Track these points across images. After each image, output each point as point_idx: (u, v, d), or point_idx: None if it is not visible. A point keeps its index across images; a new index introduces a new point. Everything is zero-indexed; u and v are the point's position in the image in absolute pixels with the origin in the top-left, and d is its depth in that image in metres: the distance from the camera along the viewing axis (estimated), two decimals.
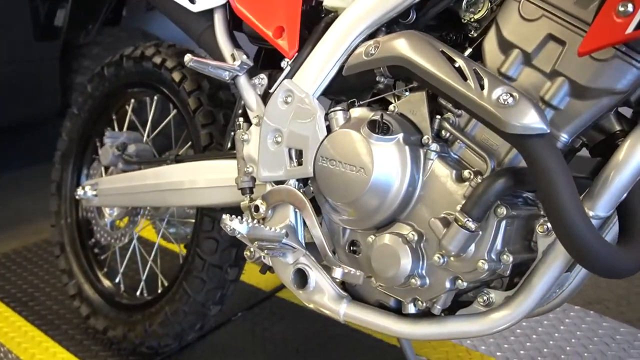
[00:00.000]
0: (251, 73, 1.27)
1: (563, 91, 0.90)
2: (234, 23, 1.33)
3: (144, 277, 1.76)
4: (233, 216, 1.04)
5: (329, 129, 1.07)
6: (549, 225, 0.91)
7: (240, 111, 1.35)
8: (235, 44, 1.30)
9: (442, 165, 0.98)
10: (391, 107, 1.06)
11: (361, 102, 1.12)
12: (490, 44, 0.99)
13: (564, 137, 0.92)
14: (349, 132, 1.02)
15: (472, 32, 1.05)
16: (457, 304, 1.04)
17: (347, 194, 1.01)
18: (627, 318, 1.90)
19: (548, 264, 0.92)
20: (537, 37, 0.92)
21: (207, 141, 1.49)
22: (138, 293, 1.76)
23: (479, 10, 1.03)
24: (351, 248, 1.10)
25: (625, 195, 0.88)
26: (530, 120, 0.83)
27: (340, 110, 1.06)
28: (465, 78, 0.89)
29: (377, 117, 1.00)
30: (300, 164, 1.11)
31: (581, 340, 1.77)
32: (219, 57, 1.29)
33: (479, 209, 0.89)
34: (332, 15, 1.17)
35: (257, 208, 1.16)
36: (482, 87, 0.87)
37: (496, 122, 0.85)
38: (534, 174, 0.84)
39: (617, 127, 0.96)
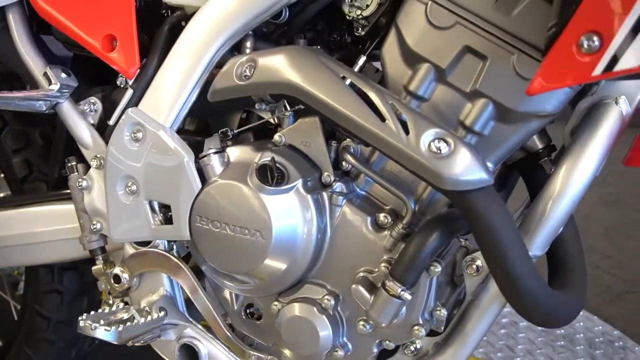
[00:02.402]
0: (77, 94, 0.95)
1: (486, 114, 0.76)
2: (39, 24, 0.98)
3: None
4: (92, 315, 0.78)
5: (202, 177, 0.83)
6: (478, 264, 0.79)
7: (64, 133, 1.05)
8: (47, 57, 0.96)
9: (353, 212, 0.80)
10: (276, 137, 0.84)
11: (236, 131, 0.89)
12: (391, 53, 0.80)
13: (489, 166, 0.78)
14: (232, 185, 0.79)
15: (360, 30, 0.86)
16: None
17: (241, 263, 0.80)
18: None
19: (483, 308, 0.81)
20: (452, 49, 0.76)
21: (25, 172, 1.15)
22: None
23: (367, 5, 0.84)
24: (248, 311, 0.90)
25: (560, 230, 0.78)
26: (472, 173, 0.67)
27: (214, 153, 0.82)
28: (382, 117, 0.71)
29: (267, 161, 0.78)
30: (167, 220, 0.86)
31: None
32: (25, 75, 0.95)
33: (413, 273, 0.74)
34: (178, 14, 0.90)
35: (117, 278, 0.90)
36: (406, 131, 0.69)
37: (429, 176, 0.68)
38: (476, 231, 0.70)
39: (540, 145, 0.85)
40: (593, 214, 2.46)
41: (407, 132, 0.69)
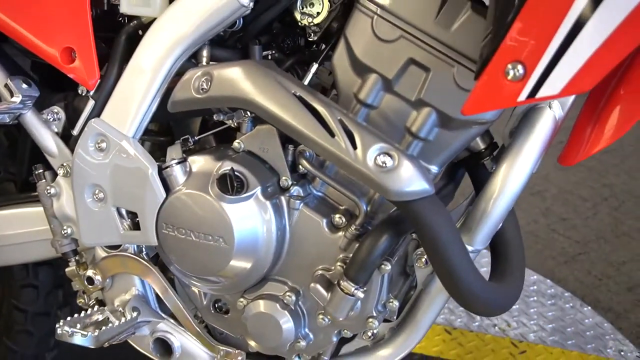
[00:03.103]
0: (39, 101, 0.98)
1: (430, 122, 0.81)
2: None
3: None
4: (69, 320, 0.83)
5: (166, 186, 0.87)
6: (427, 257, 0.86)
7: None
8: (8, 66, 0.97)
9: (310, 215, 0.86)
10: (235, 143, 0.89)
11: (197, 138, 0.93)
12: (341, 62, 0.84)
13: (434, 168, 0.84)
14: (195, 195, 0.84)
15: (312, 36, 0.90)
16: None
17: (206, 267, 0.86)
18: None
19: (432, 296, 0.88)
20: (397, 61, 0.80)
21: None
22: None
23: (318, 13, 0.88)
24: (216, 306, 0.96)
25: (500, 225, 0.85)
26: (414, 185, 0.73)
27: (177, 163, 0.86)
28: (331, 133, 0.76)
29: (227, 170, 0.83)
30: (135, 225, 0.90)
31: None
32: None
33: (365, 273, 0.80)
34: (135, 23, 0.92)
35: (90, 280, 0.95)
36: (354, 145, 0.75)
37: (377, 188, 0.74)
38: (421, 236, 0.77)
39: (482, 146, 0.91)
40: (551, 175, 2.57)
41: (355, 146, 0.75)
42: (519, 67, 0.63)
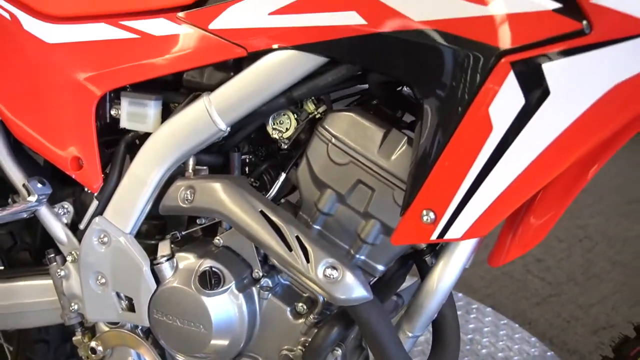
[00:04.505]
0: (52, 195, 1.15)
1: (376, 230, 0.97)
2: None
3: None
4: None
5: (156, 277, 1.04)
6: None
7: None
8: (26, 167, 1.15)
9: (277, 303, 1.02)
10: (216, 240, 1.05)
11: (184, 233, 1.10)
12: (303, 176, 1.00)
13: (380, 267, 1.00)
14: (179, 289, 1.01)
15: (283, 146, 1.06)
16: None
17: (188, 347, 1.02)
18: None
19: None
20: (348, 181, 0.96)
21: (10, 243, 1.35)
22: None
23: (287, 129, 1.04)
24: None
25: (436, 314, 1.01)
26: (356, 293, 0.90)
27: (166, 260, 1.03)
28: (289, 247, 0.92)
29: (207, 268, 1.00)
30: (131, 307, 1.07)
31: None
32: (7, 181, 1.14)
33: (319, 359, 0.97)
34: (133, 135, 1.09)
35: (93, 350, 1.12)
36: (307, 259, 0.91)
37: (325, 295, 0.91)
38: (362, 331, 0.93)
39: (423, 245, 1.06)
40: None
41: (308, 260, 0.91)
42: (431, 213, 0.79)
